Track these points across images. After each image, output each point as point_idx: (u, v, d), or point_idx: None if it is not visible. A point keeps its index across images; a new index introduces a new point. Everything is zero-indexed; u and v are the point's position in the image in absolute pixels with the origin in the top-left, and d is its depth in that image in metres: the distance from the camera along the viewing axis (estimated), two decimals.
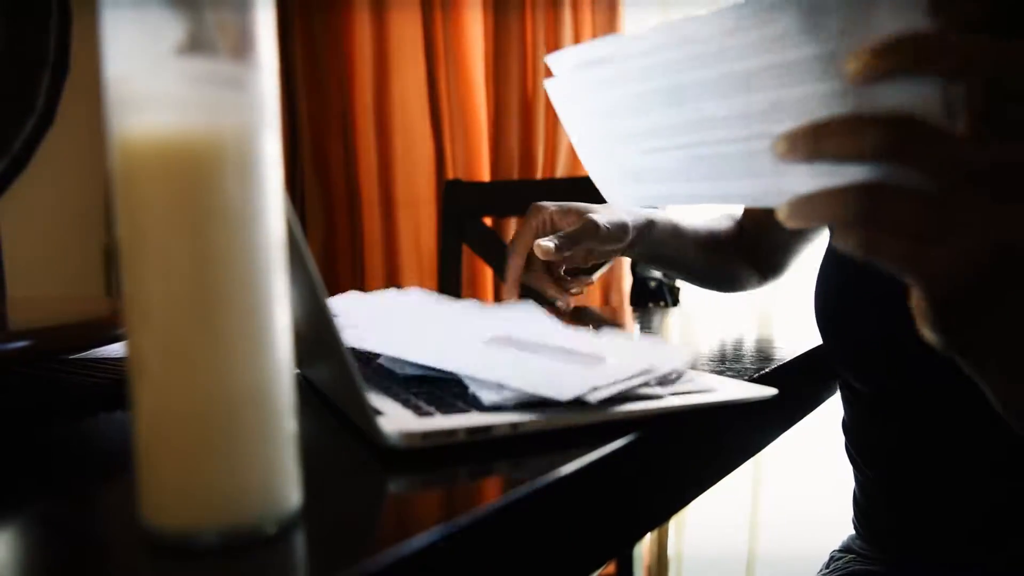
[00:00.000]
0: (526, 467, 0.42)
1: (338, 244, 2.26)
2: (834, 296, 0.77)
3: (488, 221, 1.81)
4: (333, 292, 2.34)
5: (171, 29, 0.30)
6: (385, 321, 0.67)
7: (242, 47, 0.31)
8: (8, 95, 1.84)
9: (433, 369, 0.53)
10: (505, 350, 0.55)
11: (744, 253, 1.05)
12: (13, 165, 1.88)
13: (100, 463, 0.47)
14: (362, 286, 2.25)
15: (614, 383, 0.47)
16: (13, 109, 1.90)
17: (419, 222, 2.20)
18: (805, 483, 1.87)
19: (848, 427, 0.86)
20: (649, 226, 0.95)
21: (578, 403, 0.46)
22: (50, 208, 1.91)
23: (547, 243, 0.88)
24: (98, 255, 1.96)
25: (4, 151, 1.81)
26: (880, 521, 0.84)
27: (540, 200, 1.77)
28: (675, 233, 0.92)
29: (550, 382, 0.47)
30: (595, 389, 0.46)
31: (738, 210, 1.07)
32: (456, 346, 0.57)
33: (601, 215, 0.92)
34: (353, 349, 0.60)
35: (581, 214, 0.93)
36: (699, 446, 0.54)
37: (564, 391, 0.45)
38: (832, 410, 0.87)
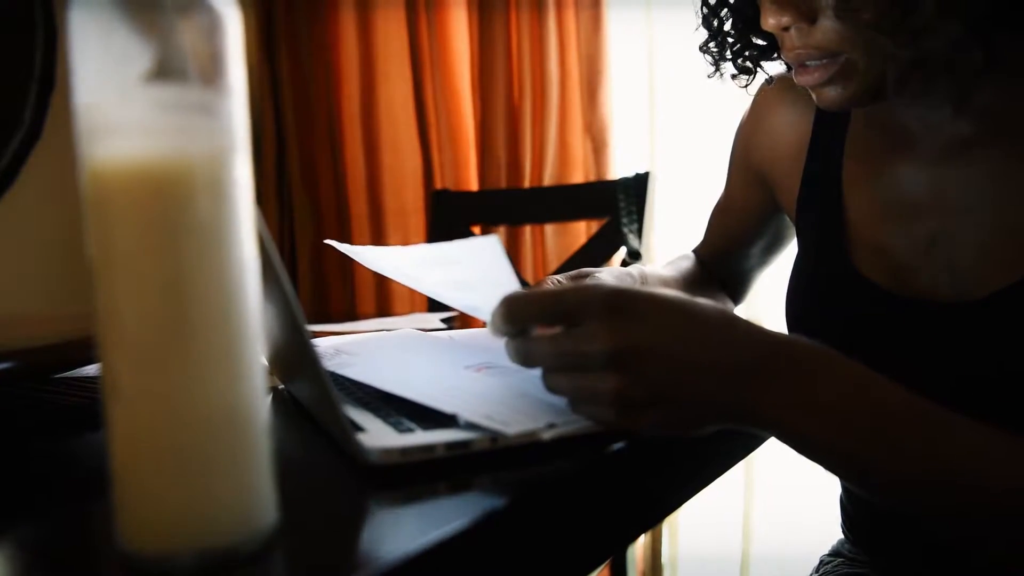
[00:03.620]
0: (506, 481, 0.42)
1: (327, 256, 2.26)
2: (801, 317, 0.79)
3: (477, 230, 1.81)
4: (324, 306, 2.32)
5: (140, 56, 0.30)
6: (371, 353, 0.67)
7: (211, 73, 0.32)
8: None
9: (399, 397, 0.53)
10: (478, 378, 0.56)
11: (712, 284, 1.06)
12: (0, 180, 1.87)
13: (81, 484, 0.47)
14: (352, 297, 2.24)
15: (574, 422, 0.47)
16: (0, 124, 1.90)
17: (408, 232, 2.21)
18: (797, 486, 1.87)
19: None
20: (644, 280, 0.96)
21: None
22: (38, 223, 1.90)
23: None
24: (85, 271, 1.95)
25: None
26: (866, 525, 0.85)
27: (528, 207, 1.78)
28: (664, 281, 0.93)
29: (503, 415, 0.47)
30: (551, 426, 0.46)
31: (692, 245, 1.08)
32: (431, 375, 0.57)
33: (606, 277, 0.93)
34: (335, 374, 0.60)
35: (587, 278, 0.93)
36: (686, 451, 0.54)
37: (512, 426, 0.45)
38: None
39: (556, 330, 0.47)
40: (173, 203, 0.30)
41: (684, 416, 0.48)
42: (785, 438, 0.50)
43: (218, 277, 0.31)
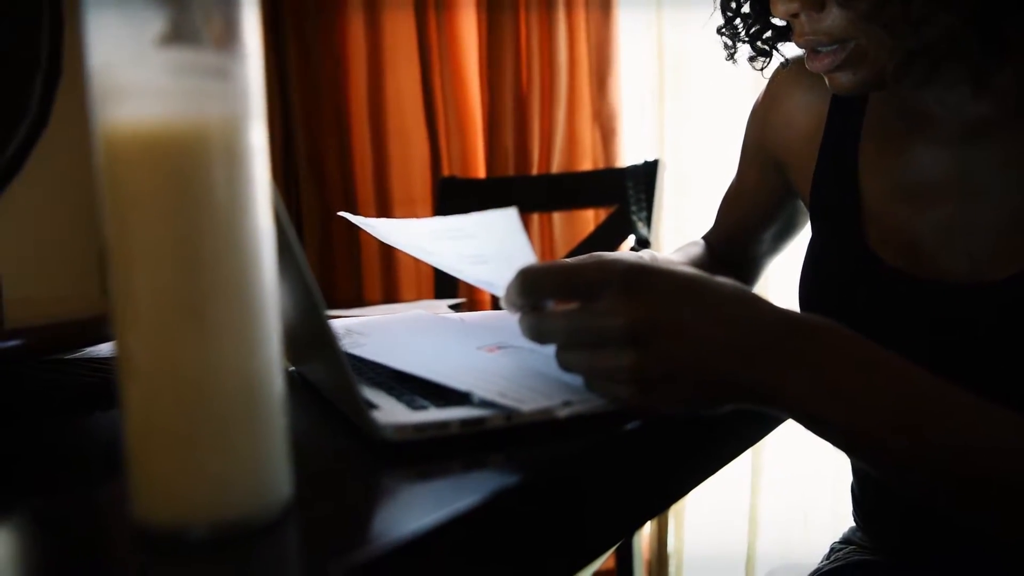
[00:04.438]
0: (520, 459, 0.42)
1: (335, 244, 2.26)
2: (816, 300, 0.78)
3: None
4: (331, 292, 2.33)
5: (155, 20, 0.30)
6: (385, 333, 0.66)
7: (227, 37, 0.31)
8: (1, 99, 1.83)
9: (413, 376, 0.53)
10: (491, 358, 0.55)
11: (722, 271, 1.05)
12: (7, 169, 1.86)
13: (94, 461, 0.46)
14: (359, 284, 2.24)
15: (589, 400, 0.46)
16: (6, 113, 1.89)
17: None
18: (805, 475, 1.86)
19: None
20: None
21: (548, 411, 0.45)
22: (45, 212, 1.90)
23: None
24: (92, 258, 1.95)
25: None
26: (878, 512, 0.84)
27: (536, 194, 1.77)
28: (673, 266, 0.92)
29: (518, 392, 0.46)
30: (567, 404, 0.45)
31: (703, 230, 1.07)
32: (444, 355, 0.57)
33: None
34: (349, 354, 0.60)
35: None
36: (697, 435, 0.54)
37: (527, 403, 0.44)
38: None
39: (571, 306, 0.47)
40: (188, 166, 0.30)
41: (701, 394, 0.47)
42: (803, 420, 0.49)
43: (234, 242, 0.31)
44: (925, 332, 0.68)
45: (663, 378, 0.45)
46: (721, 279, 0.49)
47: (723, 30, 0.79)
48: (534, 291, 0.47)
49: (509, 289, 0.48)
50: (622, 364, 0.45)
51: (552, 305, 0.48)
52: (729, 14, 0.77)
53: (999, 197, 0.66)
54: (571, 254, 1.65)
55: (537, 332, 0.48)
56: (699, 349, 0.46)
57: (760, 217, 0.95)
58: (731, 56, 0.80)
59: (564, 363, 0.47)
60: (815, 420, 0.49)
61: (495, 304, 1.76)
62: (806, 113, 0.82)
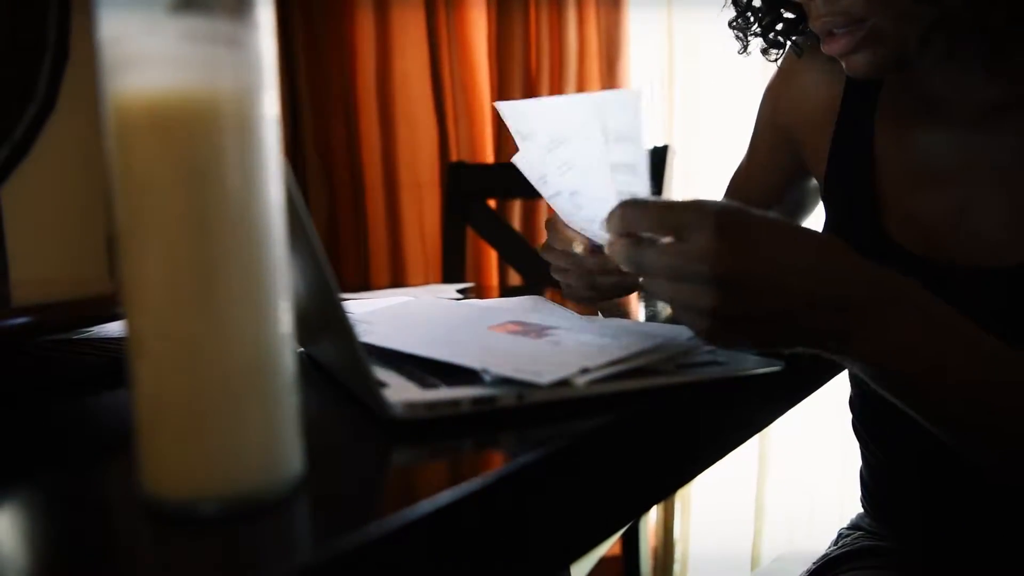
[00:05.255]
0: (531, 438, 0.42)
1: (342, 228, 2.25)
2: None
3: (492, 203, 1.80)
4: (338, 277, 2.34)
5: None
6: (393, 320, 0.66)
7: (239, 6, 0.31)
8: (9, 82, 1.83)
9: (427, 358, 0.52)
10: (502, 336, 0.55)
11: None
12: (15, 151, 1.87)
13: (103, 439, 0.46)
14: (366, 269, 2.23)
15: (608, 364, 0.46)
16: (14, 96, 1.89)
17: (423, 205, 2.19)
18: (812, 465, 1.86)
19: (854, 403, 0.86)
20: None
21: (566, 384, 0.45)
22: (52, 194, 1.90)
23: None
24: (100, 241, 1.95)
25: (6, 137, 1.81)
26: (886, 498, 0.84)
27: None
28: None
29: (535, 366, 0.46)
30: (585, 371, 0.45)
31: None
32: (455, 335, 0.57)
33: None
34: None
35: None
36: (704, 420, 0.54)
37: (544, 375, 0.44)
38: (840, 387, 0.86)
39: (667, 240, 0.49)
40: (199, 135, 0.29)
41: (775, 337, 0.50)
42: (870, 374, 0.52)
43: (245, 212, 0.30)
44: None
45: (742, 318, 0.48)
46: (810, 229, 0.51)
47: (734, 23, 0.78)
48: (631, 223, 0.50)
49: (610, 216, 0.51)
50: (704, 304, 0.47)
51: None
52: (739, 7, 0.77)
53: (1012, 181, 0.66)
54: None
55: (628, 260, 0.50)
56: (780, 300, 0.48)
57: (769, 195, 0.94)
58: (744, 48, 0.80)
59: (651, 289, 0.50)
60: (882, 377, 0.52)
61: (503, 289, 1.75)
62: (821, 91, 0.82)
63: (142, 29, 0.30)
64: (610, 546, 1.68)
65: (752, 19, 0.77)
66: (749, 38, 0.79)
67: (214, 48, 0.30)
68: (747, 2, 0.77)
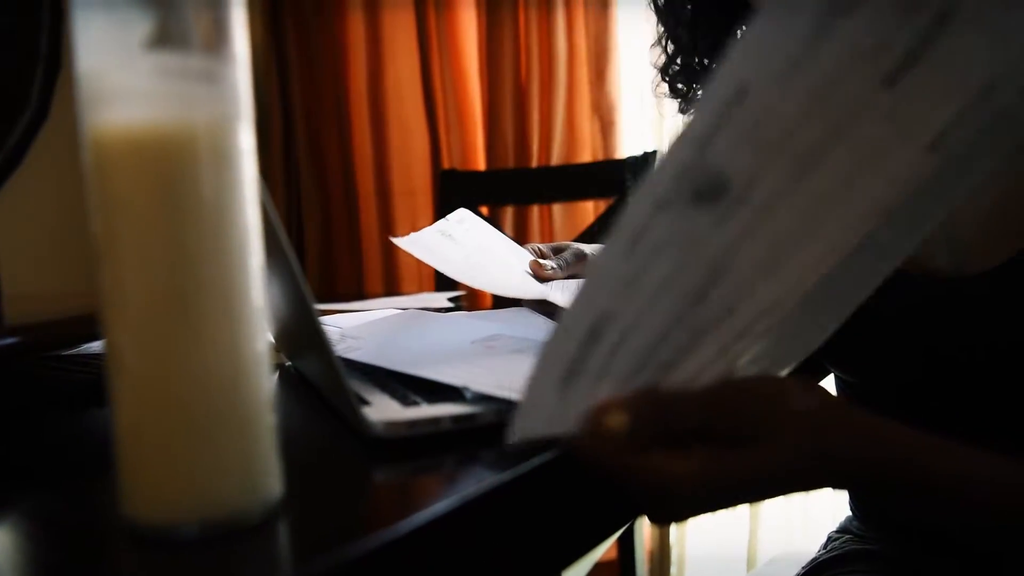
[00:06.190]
0: (512, 455, 0.42)
1: (335, 235, 2.26)
2: None
3: (484, 210, 1.81)
4: (331, 285, 2.33)
5: (142, 23, 0.30)
6: (380, 335, 0.67)
7: (215, 40, 0.31)
8: (1, 91, 1.84)
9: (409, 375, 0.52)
10: (485, 352, 0.55)
11: None
12: (8, 161, 1.87)
13: (86, 458, 0.47)
14: (360, 277, 2.24)
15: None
16: (6, 105, 1.89)
17: (416, 212, 2.20)
18: None
19: None
20: None
21: None
22: (45, 204, 1.91)
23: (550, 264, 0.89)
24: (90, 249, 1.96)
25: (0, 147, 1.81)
26: (872, 504, 0.84)
27: (536, 186, 1.77)
28: None
29: (516, 383, 0.46)
30: None
31: None
32: (439, 351, 0.57)
33: (588, 251, 0.94)
34: (342, 359, 0.60)
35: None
36: None
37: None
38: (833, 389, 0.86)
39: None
40: (175, 170, 0.30)
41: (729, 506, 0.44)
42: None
43: (221, 244, 0.31)
44: (910, 327, 0.68)
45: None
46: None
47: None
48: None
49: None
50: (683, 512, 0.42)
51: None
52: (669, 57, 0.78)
53: (981, 189, 0.66)
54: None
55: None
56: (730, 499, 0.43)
57: None
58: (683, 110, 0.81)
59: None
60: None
61: (495, 298, 1.76)
62: None
63: (118, 64, 0.30)
64: (606, 550, 1.68)
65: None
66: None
67: (189, 83, 0.30)
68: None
